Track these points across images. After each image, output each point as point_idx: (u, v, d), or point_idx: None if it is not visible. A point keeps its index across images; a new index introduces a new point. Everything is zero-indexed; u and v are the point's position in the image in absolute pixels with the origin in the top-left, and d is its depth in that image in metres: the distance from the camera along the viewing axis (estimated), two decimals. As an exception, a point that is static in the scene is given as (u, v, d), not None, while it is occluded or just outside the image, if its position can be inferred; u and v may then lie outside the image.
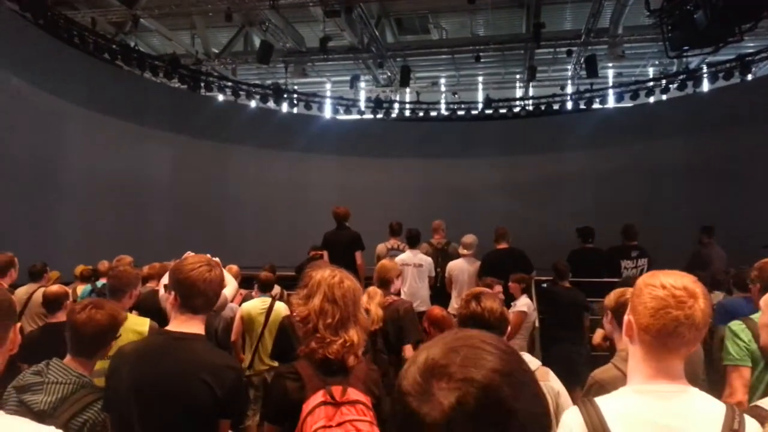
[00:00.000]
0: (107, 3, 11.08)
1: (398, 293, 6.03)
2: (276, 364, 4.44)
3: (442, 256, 7.23)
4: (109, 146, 10.55)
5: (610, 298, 2.71)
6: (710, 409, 1.45)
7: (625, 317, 1.60)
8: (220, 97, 12.84)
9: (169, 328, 2.25)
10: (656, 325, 1.47)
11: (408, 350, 4.03)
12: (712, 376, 3.31)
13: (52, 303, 4.04)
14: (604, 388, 2.23)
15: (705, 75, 11.05)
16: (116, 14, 11.50)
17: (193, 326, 2.21)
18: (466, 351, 0.84)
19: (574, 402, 1.77)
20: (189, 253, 4.76)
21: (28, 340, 3.82)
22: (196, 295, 2.19)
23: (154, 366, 2.11)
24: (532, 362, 2.36)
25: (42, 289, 5.13)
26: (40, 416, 1.97)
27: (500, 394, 0.80)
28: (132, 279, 3.64)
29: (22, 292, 5.47)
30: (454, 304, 6.72)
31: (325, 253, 6.92)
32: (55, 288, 4.55)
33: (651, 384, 1.49)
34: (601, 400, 1.52)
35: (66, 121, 9.88)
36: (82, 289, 6.22)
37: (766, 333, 2.01)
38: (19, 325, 1.43)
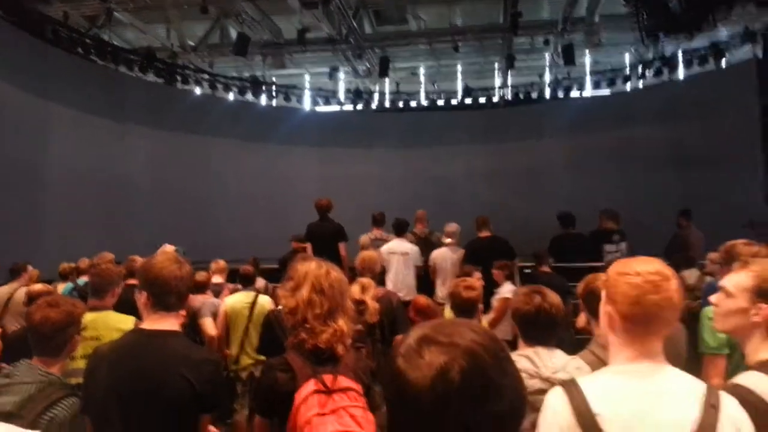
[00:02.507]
0: (80, -4, 10.88)
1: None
2: (263, 358, 4.44)
3: (425, 246, 7.27)
4: (87, 142, 10.39)
5: (581, 286, 2.74)
6: (689, 386, 1.50)
7: (603, 309, 1.63)
8: (198, 91, 12.70)
9: (143, 326, 2.25)
10: (639, 312, 1.52)
11: (400, 341, 4.06)
12: (696, 357, 3.34)
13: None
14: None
15: (680, 62, 11.21)
16: (89, 8, 11.28)
17: (168, 323, 2.22)
18: (452, 327, 0.92)
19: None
20: (165, 245, 4.75)
21: (10, 339, 3.78)
22: (168, 294, 2.20)
23: (132, 364, 2.10)
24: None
25: (23, 288, 5.08)
26: (8, 417, 1.95)
27: (484, 363, 0.85)
28: (114, 277, 3.60)
29: (3, 291, 5.41)
30: (439, 293, 6.77)
31: (309, 246, 6.91)
32: (38, 287, 4.51)
33: (632, 364, 1.53)
34: (583, 381, 1.56)
35: (43, 118, 9.70)
36: (63, 287, 6.15)
37: (723, 320, 1.99)
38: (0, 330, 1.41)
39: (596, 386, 1.53)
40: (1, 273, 5.22)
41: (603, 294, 1.65)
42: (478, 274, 5.30)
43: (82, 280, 5.98)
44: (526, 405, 0.91)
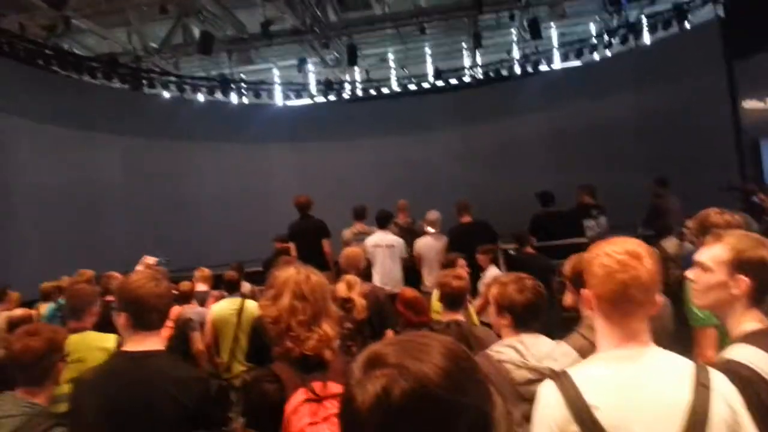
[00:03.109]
0: (35, 6, 10.55)
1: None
2: (253, 365, 4.41)
3: (409, 236, 7.26)
4: (56, 156, 10.18)
5: (567, 267, 2.75)
6: (679, 366, 1.50)
7: (583, 291, 1.64)
8: (166, 94, 12.47)
9: (126, 348, 2.22)
10: (606, 291, 1.53)
11: (390, 335, 4.06)
12: (684, 331, 3.34)
13: (18, 328, 3.91)
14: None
15: (645, 27, 11.25)
16: (45, 17, 10.96)
17: (151, 343, 2.19)
18: (408, 344, 0.87)
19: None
20: (146, 257, 4.68)
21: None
22: (149, 311, 2.18)
23: (118, 389, 2.08)
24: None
25: (4, 314, 4.98)
26: None
27: (432, 387, 0.80)
28: (90, 296, 3.58)
29: (-18, 318, 5.27)
30: (426, 283, 6.78)
31: (292, 246, 6.86)
32: (18, 312, 4.45)
33: (618, 349, 1.53)
34: (573, 371, 1.56)
35: (8, 135, 9.47)
36: (46, 308, 6.03)
37: (703, 295, 1.96)
38: None
39: (587, 376, 1.52)
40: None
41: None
42: (462, 262, 5.31)
43: (64, 299, 5.87)
44: (491, 423, 0.89)
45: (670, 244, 5.61)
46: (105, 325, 3.57)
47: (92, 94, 11.31)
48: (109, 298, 4.46)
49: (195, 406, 2.08)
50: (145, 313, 2.17)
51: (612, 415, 1.42)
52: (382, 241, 6.71)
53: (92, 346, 3.17)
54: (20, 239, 9.23)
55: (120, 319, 2.22)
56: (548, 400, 1.53)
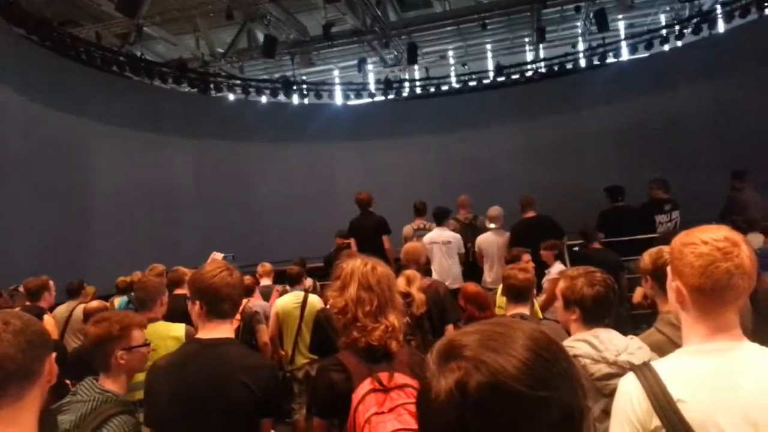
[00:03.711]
0: (109, 16, 11.13)
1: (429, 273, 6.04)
2: (317, 357, 4.46)
3: (470, 231, 7.16)
4: (128, 157, 10.70)
5: (646, 261, 2.59)
6: None
7: (670, 284, 1.53)
8: (231, 96, 12.86)
9: (199, 336, 2.28)
10: (709, 282, 1.41)
11: (450, 330, 4.01)
12: (759, 327, 3.16)
13: (92, 318, 4.10)
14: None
15: (720, 15, 10.68)
16: (120, 26, 11.56)
17: (223, 331, 2.24)
18: (489, 335, 0.82)
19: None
20: (215, 253, 4.82)
21: (72, 356, 3.91)
22: (222, 301, 2.22)
23: (192, 374, 2.13)
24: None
25: (81, 306, 5.25)
26: None
27: (510, 381, 0.76)
28: (158, 288, 3.69)
29: (62, 309, 5.59)
30: (487, 278, 6.67)
31: (353, 241, 6.90)
32: (95, 303, 4.67)
33: (707, 343, 1.44)
34: (658, 364, 1.48)
35: (86, 138, 10.02)
36: (119, 301, 6.33)
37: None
38: (54, 355, 1.40)
39: (671, 369, 1.44)
40: (58, 293, 5.39)
41: (668, 268, 1.55)
42: (527, 257, 5.18)
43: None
44: (582, 412, 0.83)
45: (755, 239, 5.30)
46: (173, 317, 3.69)
47: (163, 98, 11.80)
48: (178, 291, 4.63)
49: (264, 394, 2.12)
50: (218, 302, 2.21)
51: (698, 409, 1.34)
52: (438, 238, 6.65)
53: (163, 335, 3.28)
54: (97, 237, 9.74)
55: (194, 307, 2.27)
56: (629, 393, 1.45)
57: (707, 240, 1.43)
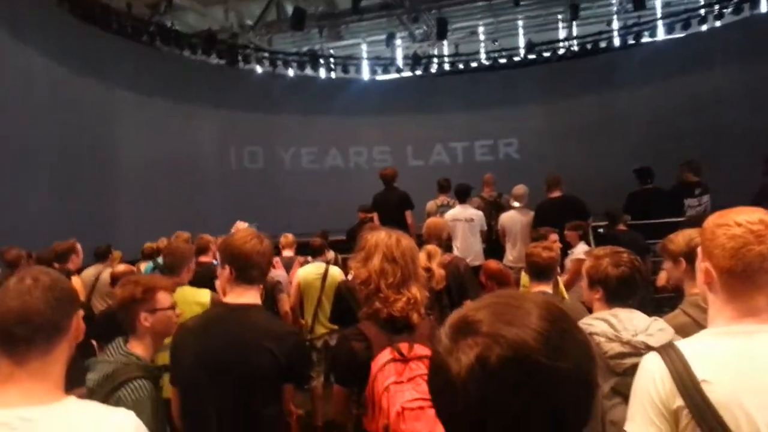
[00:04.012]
0: (140, -15, 11.16)
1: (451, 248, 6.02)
2: (335, 327, 4.49)
3: (494, 209, 7.13)
4: (156, 126, 10.81)
5: (679, 243, 2.53)
6: None
7: (699, 264, 1.50)
8: (259, 69, 12.86)
9: (226, 300, 2.31)
10: (740, 265, 1.38)
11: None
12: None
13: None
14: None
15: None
16: (150, -5, 11.57)
17: (250, 297, 2.28)
18: (500, 307, 0.81)
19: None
20: (239, 222, 4.87)
21: (99, 318, 4.01)
22: (252, 267, 2.26)
23: (217, 337, 2.17)
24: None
25: (108, 270, 5.36)
26: (90, 394, 2.03)
27: (530, 352, 0.75)
28: (186, 254, 3.74)
29: (89, 273, 5.71)
30: (509, 257, 6.64)
31: (375, 215, 6.91)
32: (122, 267, 4.76)
33: (735, 325, 1.40)
34: (682, 344, 1.45)
35: (115, 106, 10.13)
36: (145, 266, 6.45)
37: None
38: (81, 313, 1.43)
39: (696, 349, 1.41)
40: (85, 256, 5.51)
41: (699, 249, 1.51)
42: (554, 236, 5.14)
43: (161, 258, 6.24)
44: (593, 390, 0.82)
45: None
46: (197, 284, 3.74)
47: (191, 69, 11.86)
48: (202, 258, 4.69)
49: (287, 360, 2.15)
50: (248, 268, 2.25)
51: (723, 391, 1.31)
52: (461, 215, 6.62)
53: (189, 300, 3.34)
54: (125, 204, 9.91)
55: (224, 272, 2.30)
56: (651, 372, 1.42)
57: (741, 222, 1.39)
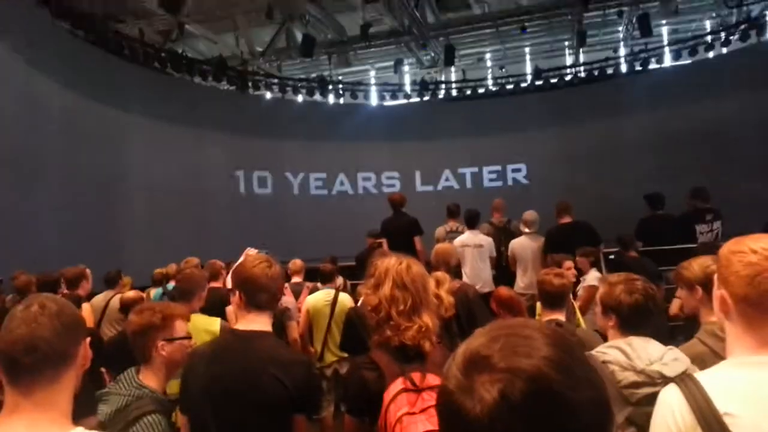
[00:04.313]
0: (152, 13, 11.35)
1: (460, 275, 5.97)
2: (345, 355, 4.45)
3: (504, 235, 7.09)
4: (168, 152, 10.89)
5: (695, 270, 2.50)
6: None
7: (716, 292, 1.47)
8: (268, 95, 12.99)
9: (237, 327, 2.30)
10: (755, 293, 1.35)
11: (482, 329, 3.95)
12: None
13: (129, 308, 4.15)
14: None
15: (769, 22, 10.35)
16: (162, 23, 11.78)
17: (260, 323, 2.25)
18: (510, 339, 0.79)
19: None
20: (249, 249, 4.87)
21: (108, 345, 3.99)
22: (260, 291, 2.24)
23: (226, 365, 2.15)
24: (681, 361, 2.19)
25: (118, 296, 5.36)
26: (102, 427, 1.99)
27: (551, 383, 0.73)
28: (199, 281, 3.72)
29: (99, 299, 5.71)
30: (520, 283, 6.59)
31: (384, 241, 6.89)
32: (131, 294, 4.75)
33: (756, 356, 1.37)
34: (702, 376, 1.42)
35: (125, 131, 10.24)
36: (154, 292, 6.44)
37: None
38: (89, 339, 1.41)
39: (717, 381, 1.37)
40: (94, 282, 5.51)
41: (715, 276, 1.49)
42: (569, 263, 5.10)
43: (171, 284, 6.23)
44: (610, 414, 0.80)
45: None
46: (207, 309, 3.73)
47: (202, 95, 11.99)
48: (213, 284, 4.69)
49: (297, 389, 2.11)
50: (256, 293, 2.24)
51: (745, 423, 1.27)
52: (470, 241, 6.59)
53: (199, 328, 3.30)
54: (134, 229, 9.94)
55: (235, 298, 2.30)
56: (671, 405, 1.39)
57: (757, 249, 1.37)
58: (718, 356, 2.07)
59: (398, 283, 2.16)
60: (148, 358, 2.25)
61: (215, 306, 4.02)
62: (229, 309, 4.15)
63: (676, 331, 5.29)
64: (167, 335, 2.27)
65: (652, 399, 1.55)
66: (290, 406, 2.12)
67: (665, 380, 1.97)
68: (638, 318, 2.28)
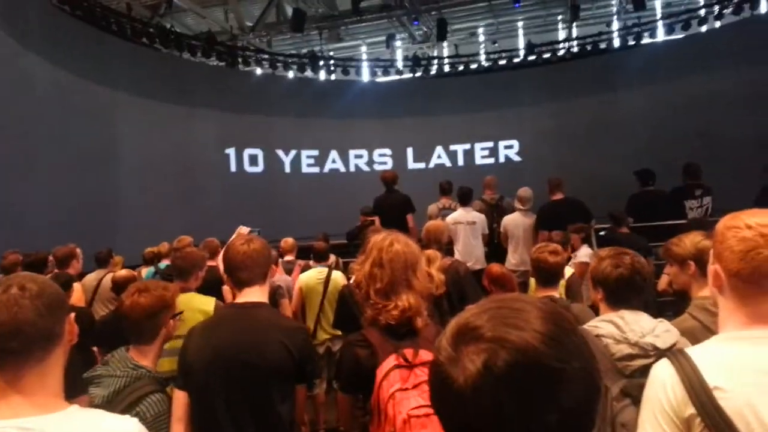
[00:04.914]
0: (140, -14, 11.16)
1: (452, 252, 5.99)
2: (338, 332, 4.47)
3: (496, 212, 7.10)
4: (157, 128, 10.78)
5: (686, 246, 2.51)
6: None
7: (710, 267, 1.48)
8: (258, 71, 12.84)
9: (236, 301, 2.35)
10: (748, 268, 1.36)
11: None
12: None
13: (121, 287, 4.15)
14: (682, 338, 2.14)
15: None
16: (150, -3, 11.57)
17: (254, 296, 2.30)
18: (500, 311, 0.79)
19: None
20: (241, 227, 4.85)
21: (100, 324, 3.98)
22: (238, 269, 2.29)
23: (231, 334, 2.18)
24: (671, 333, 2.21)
25: (110, 275, 5.34)
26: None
27: (540, 356, 0.73)
28: (198, 260, 3.67)
29: (91, 278, 5.69)
30: (511, 260, 6.62)
31: (377, 219, 6.89)
32: (123, 272, 4.73)
33: (747, 330, 1.38)
34: (693, 350, 1.43)
35: (115, 108, 10.11)
36: (146, 271, 6.42)
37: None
38: (73, 315, 1.39)
39: (708, 356, 1.38)
40: (85, 261, 5.47)
41: (711, 252, 1.50)
42: (557, 241, 5.11)
43: (164, 263, 6.22)
44: (599, 388, 0.80)
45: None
46: (205, 287, 3.70)
47: (191, 70, 11.82)
48: (210, 262, 4.67)
49: (300, 356, 2.16)
50: (235, 271, 2.29)
51: (735, 398, 1.29)
52: (463, 218, 6.60)
53: (194, 307, 3.26)
54: (124, 207, 9.88)
55: (227, 279, 2.37)
56: (662, 380, 1.40)
57: (752, 224, 1.37)
58: (708, 330, 2.09)
59: (377, 261, 2.14)
60: (154, 336, 2.28)
61: (213, 285, 4.01)
62: (226, 288, 4.14)
63: (664, 306, 5.35)
64: (174, 312, 2.35)
65: (645, 371, 1.57)
66: (294, 372, 2.17)
67: (658, 352, 2.00)
68: (625, 291, 2.29)
